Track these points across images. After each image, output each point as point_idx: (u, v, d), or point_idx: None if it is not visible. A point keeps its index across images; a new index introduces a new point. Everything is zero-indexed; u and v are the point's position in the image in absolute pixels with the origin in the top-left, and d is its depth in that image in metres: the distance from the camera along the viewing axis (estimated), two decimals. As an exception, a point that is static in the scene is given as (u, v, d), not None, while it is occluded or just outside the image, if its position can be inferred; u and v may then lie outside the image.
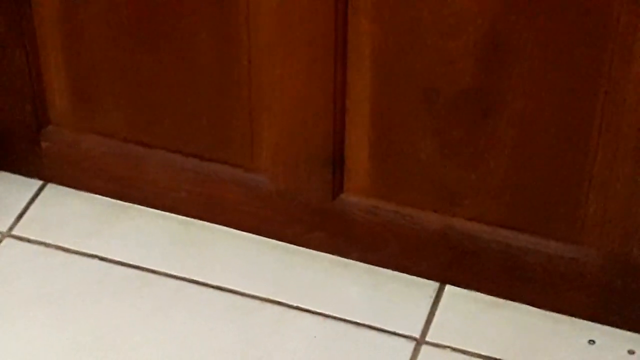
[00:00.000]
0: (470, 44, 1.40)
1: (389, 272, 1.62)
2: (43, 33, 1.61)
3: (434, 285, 1.61)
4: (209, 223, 1.69)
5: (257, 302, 1.59)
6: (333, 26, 1.45)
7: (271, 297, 1.60)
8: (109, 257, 1.65)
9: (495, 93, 1.43)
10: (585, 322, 1.56)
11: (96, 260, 1.64)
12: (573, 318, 1.56)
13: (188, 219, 1.70)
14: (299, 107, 1.53)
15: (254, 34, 1.50)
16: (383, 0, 1.41)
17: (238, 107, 1.58)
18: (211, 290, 1.61)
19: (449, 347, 1.54)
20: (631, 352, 1.52)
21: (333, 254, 1.65)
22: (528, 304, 1.58)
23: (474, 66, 1.41)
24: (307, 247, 1.65)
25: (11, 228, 1.68)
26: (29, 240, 1.67)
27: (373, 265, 1.63)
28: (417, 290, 1.60)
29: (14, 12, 1.59)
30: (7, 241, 1.67)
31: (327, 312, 1.58)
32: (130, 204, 1.71)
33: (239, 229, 1.68)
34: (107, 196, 1.72)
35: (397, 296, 1.59)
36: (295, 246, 1.65)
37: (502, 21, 1.37)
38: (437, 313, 1.57)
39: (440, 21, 1.39)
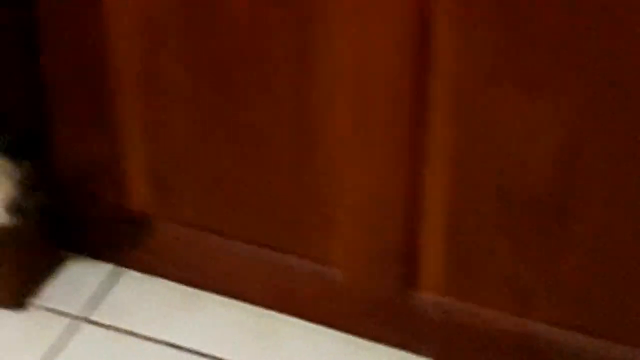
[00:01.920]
0: (548, 149, 1.39)
1: (461, 371, 1.61)
2: (125, 121, 1.64)
3: (506, 386, 1.59)
4: (281, 314, 1.69)
5: (326, 396, 1.59)
6: (410, 124, 1.46)
7: (341, 392, 1.59)
8: (181, 344, 1.65)
9: (572, 197, 1.42)
10: None
11: (168, 348, 1.65)
12: None
13: (260, 309, 1.70)
14: (374, 202, 1.54)
15: (331, 130, 1.51)
16: (462, 101, 1.42)
17: (314, 200, 1.59)
18: (281, 382, 1.61)
19: None
20: None
21: (404, 350, 1.63)
22: (602, 410, 1.55)
23: (550, 170, 1.41)
24: (378, 342, 1.64)
25: (86, 313, 1.70)
26: (103, 326, 1.68)
27: (444, 363, 1.62)
28: (489, 391, 1.58)
29: (96, 99, 1.63)
30: (82, 326, 1.68)
31: (396, 410, 1.57)
32: (204, 292, 1.73)
33: (310, 321, 1.68)
34: (181, 284, 1.74)
35: (468, 396, 1.58)
36: (366, 340, 1.65)
37: (580, 127, 1.37)
38: (509, 416, 1.55)
39: (519, 125, 1.39)
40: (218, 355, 1.64)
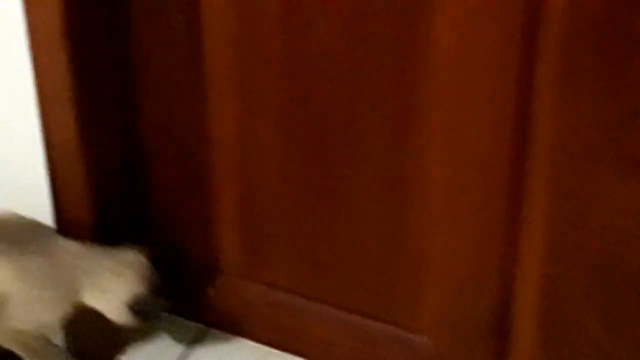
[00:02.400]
0: (648, 225, 1.39)
1: None
2: (220, 185, 1.66)
3: None
4: (366, 380, 1.69)
5: None
6: (505, 194, 1.46)
7: None
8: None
9: (672, 276, 1.41)
10: None
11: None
12: None
13: (345, 374, 1.71)
14: (466, 271, 1.53)
15: (424, 199, 1.52)
16: (560, 175, 1.41)
17: (404, 267, 1.59)
18: None
19: None
20: None
21: (491, 422, 1.62)
22: None
23: (651, 247, 1.40)
24: (464, 413, 1.64)
25: (175, 371, 1.72)
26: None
27: None
28: None
29: (191, 165, 1.66)
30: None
31: None
32: (290, 355, 1.73)
33: (396, 388, 1.68)
34: (268, 345, 1.74)
35: None
36: (452, 411, 1.64)
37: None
38: None
39: (618, 201, 1.39)
40: (301, 419, 1.64)
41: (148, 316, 1.56)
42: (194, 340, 1.76)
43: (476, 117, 1.42)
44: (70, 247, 1.55)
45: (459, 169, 1.47)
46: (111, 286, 1.53)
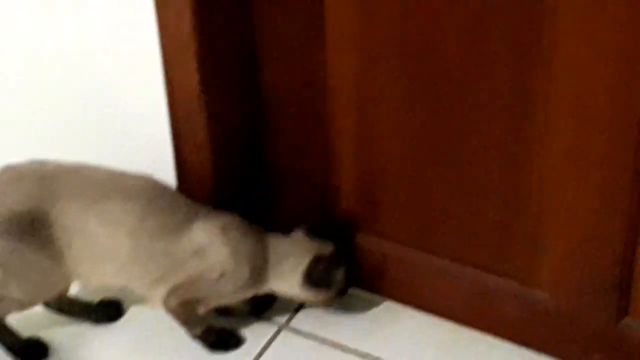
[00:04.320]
0: None
1: (669, 402, 1.58)
2: (337, 138, 1.66)
3: None
4: (479, 333, 1.69)
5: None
6: (632, 147, 1.43)
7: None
8: (381, 356, 1.67)
9: None
10: None
11: (358, 357, 1.67)
12: None
13: (460, 326, 1.71)
14: (588, 228, 1.52)
15: (547, 152, 1.50)
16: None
17: (523, 222, 1.58)
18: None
19: None
20: None
21: (609, 377, 1.62)
22: None
23: None
24: (581, 368, 1.63)
25: (289, 320, 1.74)
26: (304, 334, 1.71)
27: (653, 393, 1.59)
28: None
29: (309, 118, 1.66)
30: (284, 333, 1.72)
31: None
32: (406, 307, 1.74)
33: (511, 342, 1.67)
34: (384, 297, 1.75)
35: None
36: (569, 366, 1.64)
37: None
38: None
39: None
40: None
41: (323, 286, 1.65)
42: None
43: (600, 72, 1.40)
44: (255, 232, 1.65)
45: (582, 121, 1.45)
46: (292, 274, 1.64)
